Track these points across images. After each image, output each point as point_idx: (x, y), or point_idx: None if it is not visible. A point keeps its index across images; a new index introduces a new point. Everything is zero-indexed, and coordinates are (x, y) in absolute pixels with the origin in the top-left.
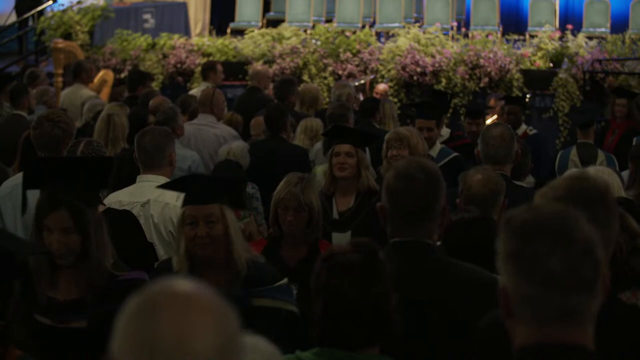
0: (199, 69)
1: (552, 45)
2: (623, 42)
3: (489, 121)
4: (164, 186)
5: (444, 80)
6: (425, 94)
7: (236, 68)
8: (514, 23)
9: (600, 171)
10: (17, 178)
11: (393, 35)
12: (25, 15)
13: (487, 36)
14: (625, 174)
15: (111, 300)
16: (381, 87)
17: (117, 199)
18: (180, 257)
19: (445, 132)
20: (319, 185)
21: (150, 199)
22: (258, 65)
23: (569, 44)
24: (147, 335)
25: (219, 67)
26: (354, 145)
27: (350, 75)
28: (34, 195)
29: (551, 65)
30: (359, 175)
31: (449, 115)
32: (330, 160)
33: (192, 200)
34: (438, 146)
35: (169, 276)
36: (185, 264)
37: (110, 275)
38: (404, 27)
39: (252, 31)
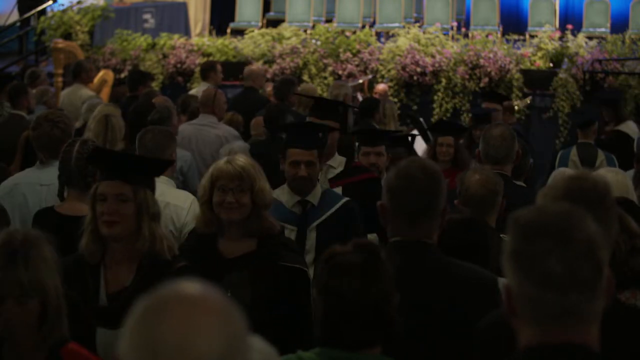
0: (199, 69)
1: (552, 45)
2: (623, 42)
3: None
4: None
5: (444, 80)
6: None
7: (236, 68)
8: (514, 23)
9: (614, 172)
10: (17, 178)
11: (393, 35)
12: (26, 15)
13: (487, 36)
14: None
15: None
16: (381, 87)
17: None
18: None
19: (339, 161)
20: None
21: None
22: (252, 65)
23: (569, 44)
24: (150, 336)
25: (219, 67)
26: (133, 183)
27: (350, 75)
28: (33, 193)
29: (551, 65)
30: (138, 234)
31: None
32: (92, 207)
33: None
34: (319, 190)
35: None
36: None
37: None
38: (404, 27)
39: (252, 31)
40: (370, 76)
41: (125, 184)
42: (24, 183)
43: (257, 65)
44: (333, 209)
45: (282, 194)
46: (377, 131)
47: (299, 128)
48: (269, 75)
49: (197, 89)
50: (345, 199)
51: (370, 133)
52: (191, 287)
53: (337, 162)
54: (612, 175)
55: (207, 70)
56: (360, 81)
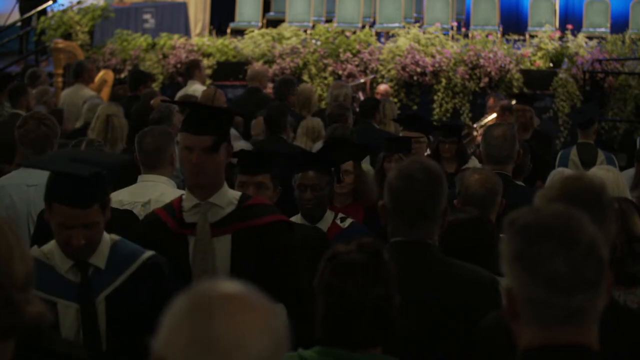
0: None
1: (552, 45)
2: (623, 42)
3: (487, 119)
4: None
5: (444, 80)
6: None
7: (236, 68)
8: (514, 23)
9: (606, 169)
10: (5, 179)
11: (393, 36)
12: (26, 15)
13: (487, 36)
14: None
15: None
16: (382, 87)
17: (118, 198)
18: None
19: (229, 198)
20: None
21: (152, 198)
22: (256, 66)
23: (569, 44)
24: (203, 333)
25: (202, 65)
26: None
27: (350, 75)
28: (20, 194)
29: (551, 65)
30: None
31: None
32: None
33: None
34: (107, 246)
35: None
36: None
37: None
38: (404, 27)
39: (252, 31)
40: (372, 76)
41: None
42: (10, 184)
43: (261, 66)
44: (128, 272)
45: (52, 254)
46: (261, 154)
47: (64, 178)
48: (269, 75)
49: (185, 89)
50: (148, 253)
51: (252, 156)
52: (229, 285)
53: (227, 200)
54: (604, 173)
55: (192, 67)
56: (362, 80)
